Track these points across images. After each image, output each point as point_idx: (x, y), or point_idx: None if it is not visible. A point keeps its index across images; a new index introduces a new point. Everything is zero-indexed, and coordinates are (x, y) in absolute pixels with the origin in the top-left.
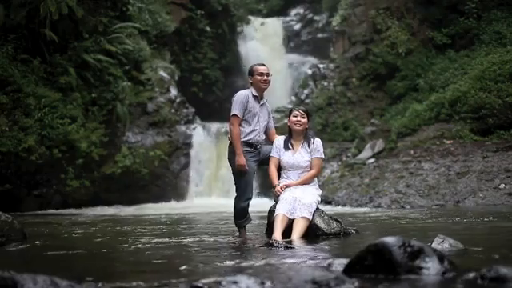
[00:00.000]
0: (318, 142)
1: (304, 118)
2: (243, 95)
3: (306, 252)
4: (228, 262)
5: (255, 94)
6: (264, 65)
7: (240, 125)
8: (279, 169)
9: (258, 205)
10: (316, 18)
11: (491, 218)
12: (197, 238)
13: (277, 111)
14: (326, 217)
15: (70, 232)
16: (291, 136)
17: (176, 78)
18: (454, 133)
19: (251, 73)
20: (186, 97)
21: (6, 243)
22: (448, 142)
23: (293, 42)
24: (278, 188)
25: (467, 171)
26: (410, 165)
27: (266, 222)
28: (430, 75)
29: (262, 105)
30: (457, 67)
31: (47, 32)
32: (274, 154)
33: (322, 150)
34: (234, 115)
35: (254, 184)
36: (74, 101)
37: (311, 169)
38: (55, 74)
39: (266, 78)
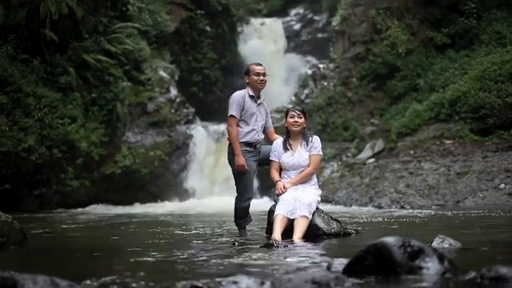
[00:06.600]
0: (315, 140)
1: (301, 118)
2: (239, 95)
3: (306, 252)
4: (228, 262)
5: (252, 93)
6: (260, 64)
7: (238, 125)
8: (280, 170)
9: (258, 205)
10: (316, 17)
11: (490, 217)
12: (196, 239)
13: (276, 111)
14: (325, 217)
15: (69, 232)
16: (289, 136)
17: (176, 77)
18: (453, 133)
19: (247, 72)
20: (186, 97)
21: (5, 243)
22: (448, 142)
23: (293, 42)
24: (281, 185)
25: (467, 171)
26: (410, 165)
27: (266, 222)
28: (430, 75)
29: (259, 104)
30: (457, 67)
31: (47, 32)
32: (273, 157)
33: (319, 147)
34: (232, 116)
35: (255, 184)
36: (73, 101)
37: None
38: (55, 74)
39: (262, 77)
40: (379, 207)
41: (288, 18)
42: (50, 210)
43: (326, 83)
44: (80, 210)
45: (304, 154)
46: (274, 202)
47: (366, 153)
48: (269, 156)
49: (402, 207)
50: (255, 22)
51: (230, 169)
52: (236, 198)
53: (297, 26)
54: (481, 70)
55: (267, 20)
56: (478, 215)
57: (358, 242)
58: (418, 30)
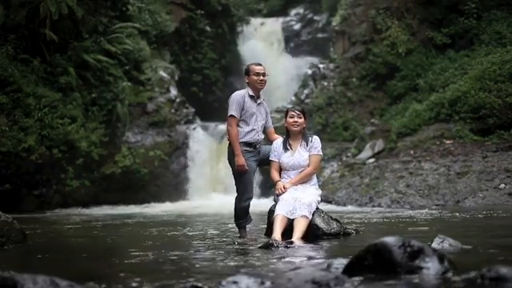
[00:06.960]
0: (315, 140)
1: (300, 118)
2: (239, 95)
3: (306, 252)
4: (228, 262)
5: (251, 93)
6: (260, 64)
7: (238, 125)
8: (280, 170)
9: (258, 205)
10: (316, 17)
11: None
12: (197, 239)
13: (276, 111)
14: (325, 217)
15: (69, 232)
16: (289, 136)
17: (176, 77)
18: (454, 133)
19: (247, 72)
20: (186, 97)
21: (5, 243)
22: (448, 142)
23: (293, 42)
24: (281, 185)
25: (467, 171)
26: (410, 165)
27: (266, 222)
28: (430, 75)
29: (259, 104)
30: (457, 67)
31: (47, 32)
32: (272, 157)
33: (319, 147)
34: (231, 116)
35: (254, 184)
36: (73, 101)
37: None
38: (55, 74)
39: (262, 77)
40: (379, 207)
41: (288, 18)
42: (49, 209)
43: (326, 83)
44: (80, 210)
45: (304, 153)
46: (274, 202)
47: (366, 153)
48: (269, 156)
49: (402, 207)
50: (255, 21)
51: (230, 169)
52: (236, 197)
53: (297, 26)
54: (481, 70)
55: (267, 20)
56: (478, 215)
57: (357, 241)
58: (418, 30)
